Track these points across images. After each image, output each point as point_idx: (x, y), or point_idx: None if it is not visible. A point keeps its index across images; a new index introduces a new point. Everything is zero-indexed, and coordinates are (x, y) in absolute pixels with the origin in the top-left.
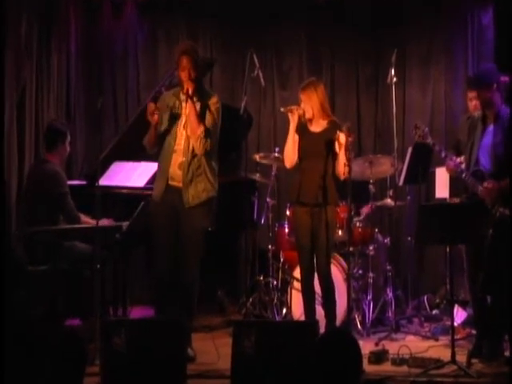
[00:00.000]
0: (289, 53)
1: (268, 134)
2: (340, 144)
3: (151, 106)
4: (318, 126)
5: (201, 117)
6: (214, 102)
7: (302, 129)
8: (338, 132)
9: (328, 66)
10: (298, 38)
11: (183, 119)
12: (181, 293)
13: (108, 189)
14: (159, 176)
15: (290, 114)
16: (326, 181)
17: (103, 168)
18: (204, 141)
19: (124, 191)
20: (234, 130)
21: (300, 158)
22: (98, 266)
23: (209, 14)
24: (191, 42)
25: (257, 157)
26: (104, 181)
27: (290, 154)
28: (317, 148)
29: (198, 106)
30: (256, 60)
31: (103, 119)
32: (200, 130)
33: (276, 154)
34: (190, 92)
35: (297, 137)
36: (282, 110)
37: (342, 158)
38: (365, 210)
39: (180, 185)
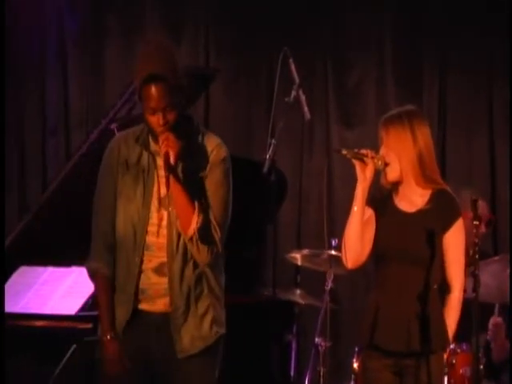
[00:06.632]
0: (358, 61)
1: (318, 211)
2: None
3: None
4: (411, 200)
5: (193, 195)
6: (217, 157)
7: (382, 203)
8: (458, 216)
9: (434, 85)
10: (377, 35)
11: (158, 185)
12: None
13: (8, 319)
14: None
15: (357, 164)
16: (428, 306)
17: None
18: (203, 245)
19: (38, 324)
20: (251, 203)
21: (377, 258)
22: None
23: None
24: (166, 42)
25: (296, 256)
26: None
27: (355, 243)
28: (410, 243)
29: (181, 174)
30: (294, 71)
31: (2, 183)
32: (192, 226)
33: (333, 252)
34: (172, 159)
35: (369, 212)
36: (343, 152)
37: (458, 262)
38: (506, 356)
39: (162, 308)
